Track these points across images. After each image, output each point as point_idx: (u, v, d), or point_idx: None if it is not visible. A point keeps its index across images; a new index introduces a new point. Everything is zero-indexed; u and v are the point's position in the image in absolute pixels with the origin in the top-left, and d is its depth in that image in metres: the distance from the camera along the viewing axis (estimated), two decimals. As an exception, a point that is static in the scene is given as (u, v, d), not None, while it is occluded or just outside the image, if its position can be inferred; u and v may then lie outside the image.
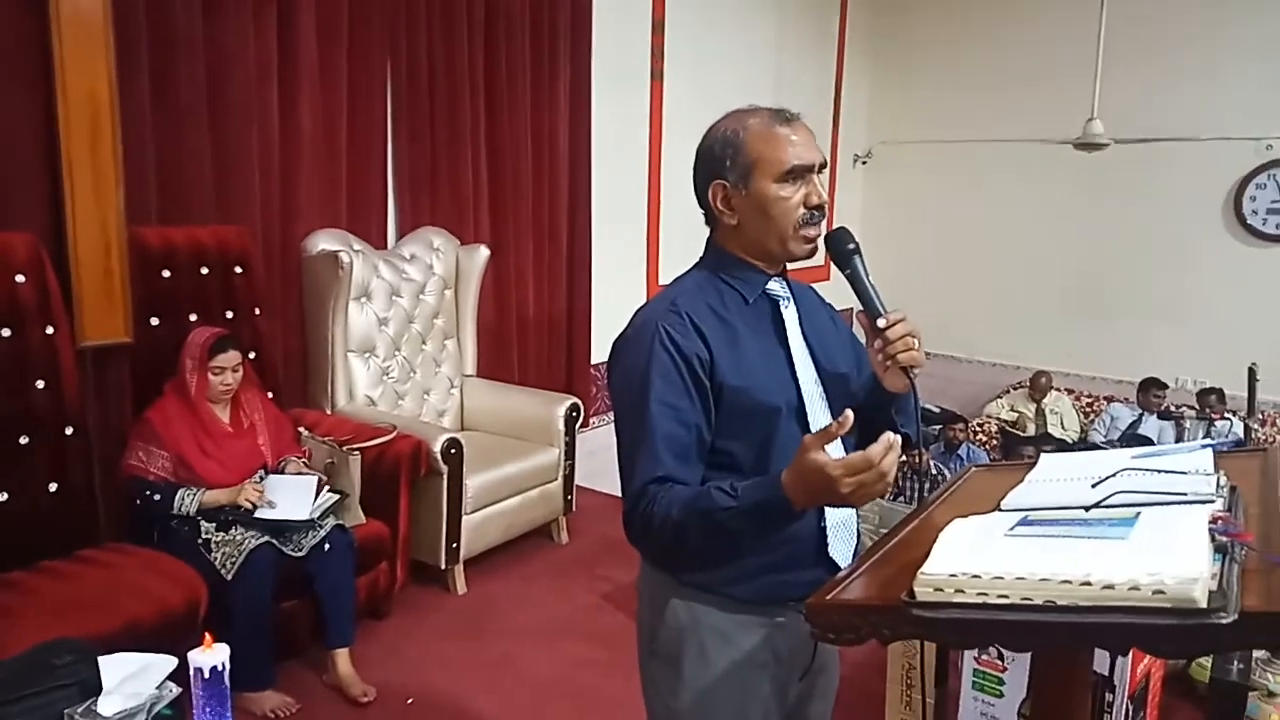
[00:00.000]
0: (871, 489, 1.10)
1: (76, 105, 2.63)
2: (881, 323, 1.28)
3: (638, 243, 5.19)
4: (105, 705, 1.45)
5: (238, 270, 3.10)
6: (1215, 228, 6.04)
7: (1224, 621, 0.74)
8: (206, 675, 1.31)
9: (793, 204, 1.29)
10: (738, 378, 1.27)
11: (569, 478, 3.91)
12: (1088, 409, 6.47)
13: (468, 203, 4.06)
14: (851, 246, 1.32)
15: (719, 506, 1.18)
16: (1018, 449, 5.18)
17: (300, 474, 2.85)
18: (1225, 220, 6.00)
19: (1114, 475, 1.09)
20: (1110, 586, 0.78)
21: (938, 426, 5.50)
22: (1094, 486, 1.07)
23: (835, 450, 1.35)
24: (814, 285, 1.52)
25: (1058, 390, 6.41)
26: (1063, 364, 6.58)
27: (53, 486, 2.59)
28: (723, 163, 1.31)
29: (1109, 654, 1.97)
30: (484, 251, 3.97)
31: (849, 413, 1.13)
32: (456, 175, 4.01)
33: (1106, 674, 1.97)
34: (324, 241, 3.46)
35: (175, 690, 1.51)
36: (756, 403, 1.26)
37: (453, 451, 3.25)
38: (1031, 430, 6.16)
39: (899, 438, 1.11)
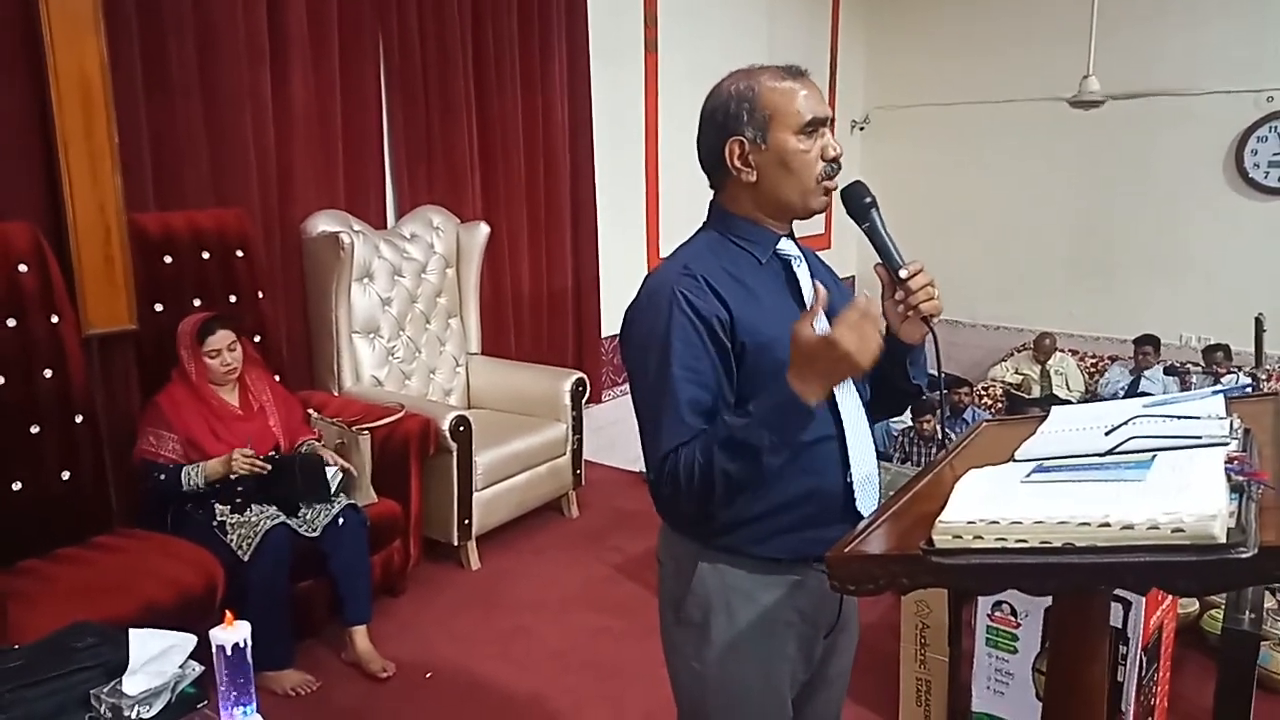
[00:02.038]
0: (869, 336, 1.15)
1: (68, 88, 2.61)
2: (903, 273, 1.30)
3: (637, 214, 5.16)
4: (130, 684, 1.46)
5: (238, 254, 3.09)
6: (1217, 182, 5.99)
7: (1243, 556, 0.74)
8: (229, 652, 1.32)
9: (812, 157, 1.29)
10: (758, 336, 1.27)
11: (577, 452, 3.92)
12: (1092, 369, 6.47)
13: (465, 180, 4.03)
14: (869, 200, 1.32)
15: (736, 426, 1.20)
16: (1023, 411, 5.17)
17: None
18: (1227, 175, 5.95)
19: (1127, 423, 1.09)
20: (1129, 526, 0.78)
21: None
22: (1107, 434, 1.07)
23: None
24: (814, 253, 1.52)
25: (1062, 351, 6.40)
26: (1066, 325, 6.56)
27: (65, 475, 2.60)
28: (739, 119, 1.30)
29: (1122, 607, 1.99)
30: (484, 228, 3.96)
31: (821, 288, 1.23)
32: (453, 152, 3.97)
33: (1120, 626, 1.99)
34: (324, 223, 3.45)
35: (198, 668, 1.53)
36: (778, 361, 1.24)
37: (461, 429, 3.26)
38: (1037, 392, 6.16)
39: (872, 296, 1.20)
